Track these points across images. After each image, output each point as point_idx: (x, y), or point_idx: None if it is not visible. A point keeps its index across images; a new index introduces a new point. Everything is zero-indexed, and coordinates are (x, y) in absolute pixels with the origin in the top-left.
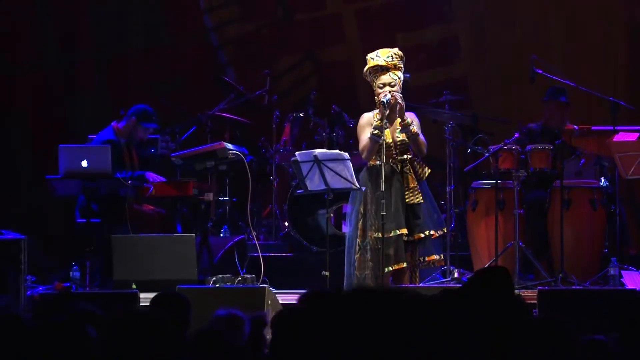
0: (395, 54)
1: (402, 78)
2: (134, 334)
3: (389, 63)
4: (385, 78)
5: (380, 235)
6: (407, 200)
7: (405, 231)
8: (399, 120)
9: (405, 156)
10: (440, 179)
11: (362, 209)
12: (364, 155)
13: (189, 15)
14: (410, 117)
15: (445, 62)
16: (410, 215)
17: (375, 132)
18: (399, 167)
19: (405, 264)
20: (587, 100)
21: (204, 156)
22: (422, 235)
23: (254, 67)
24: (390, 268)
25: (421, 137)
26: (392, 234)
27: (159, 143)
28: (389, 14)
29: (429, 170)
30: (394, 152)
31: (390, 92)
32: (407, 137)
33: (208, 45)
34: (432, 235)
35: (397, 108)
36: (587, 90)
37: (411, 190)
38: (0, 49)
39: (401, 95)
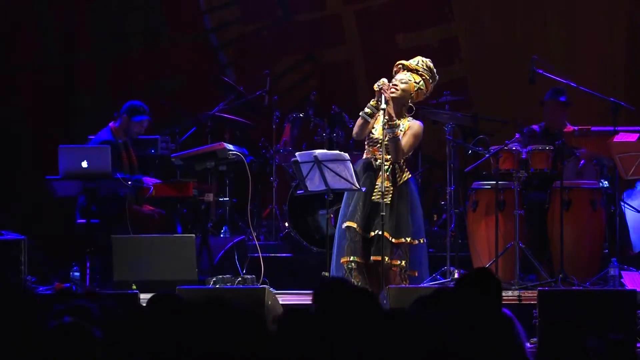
0: (423, 60)
1: (418, 82)
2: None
3: (412, 65)
4: (400, 75)
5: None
6: (373, 197)
7: (351, 224)
8: (396, 120)
9: (389, 157)
10: (441, 180)
11: (349, 201)
12: (353, 132)
13: (189, 16)
14: (411, 124)
15: (445, 62)
16: (373, 213)
17: (367, 110)
18: (378, 165)
19: (351, 257)
20: (587, 101)
21: (204, 157)
22: (372, 234)
23: (254, 68)
24: (341, 260)
25: (402, 145)
26: (342, 226)
27: (158, 143)
28: (388, 15)
29: (409, 175)
30: (380, 150)
31: (393, 84)
32: (388, 137)
33: (208, 45)
34: (386, 236)
35: (386, 101)
36: (587, 90)
37: (380, 189)
38: (1, 49)
39: (394, 91)
